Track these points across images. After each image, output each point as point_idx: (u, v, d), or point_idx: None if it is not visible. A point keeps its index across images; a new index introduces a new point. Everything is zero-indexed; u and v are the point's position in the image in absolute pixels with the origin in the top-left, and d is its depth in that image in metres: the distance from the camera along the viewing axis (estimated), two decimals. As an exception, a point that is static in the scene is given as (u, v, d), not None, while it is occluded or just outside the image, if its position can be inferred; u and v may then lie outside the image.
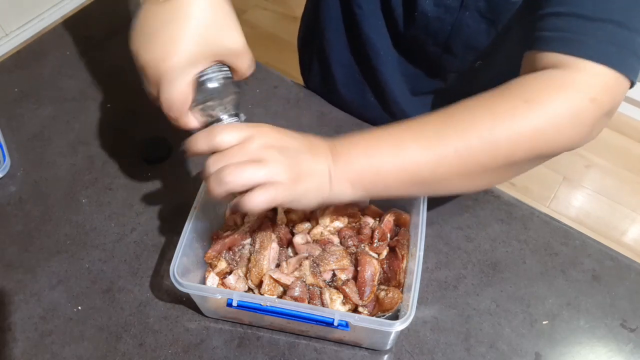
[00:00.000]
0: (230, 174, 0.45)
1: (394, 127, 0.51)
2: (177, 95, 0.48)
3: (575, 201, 1.76)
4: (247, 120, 0.52)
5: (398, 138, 0.50)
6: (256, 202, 0.46)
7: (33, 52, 0.93)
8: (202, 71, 0.49)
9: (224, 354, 0.61)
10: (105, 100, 0.86)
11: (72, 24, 0.98)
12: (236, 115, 0.52)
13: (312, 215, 0.68)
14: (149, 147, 0.80)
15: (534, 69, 0.50)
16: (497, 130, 0.47)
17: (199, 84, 0.49)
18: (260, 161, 0.46)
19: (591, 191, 1.78)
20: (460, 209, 0.73)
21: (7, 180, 0.77)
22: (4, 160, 0.78)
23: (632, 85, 0.49)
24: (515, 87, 0.49)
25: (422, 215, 0.59)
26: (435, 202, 0.72)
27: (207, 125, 0.51)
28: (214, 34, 0.47)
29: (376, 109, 0.82)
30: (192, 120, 0.51)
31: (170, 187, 0.76)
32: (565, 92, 0.46)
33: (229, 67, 0.51)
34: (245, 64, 0.51)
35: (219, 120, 0.51)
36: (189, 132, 0.52)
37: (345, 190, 0.51)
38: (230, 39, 0.48)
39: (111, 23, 0.98)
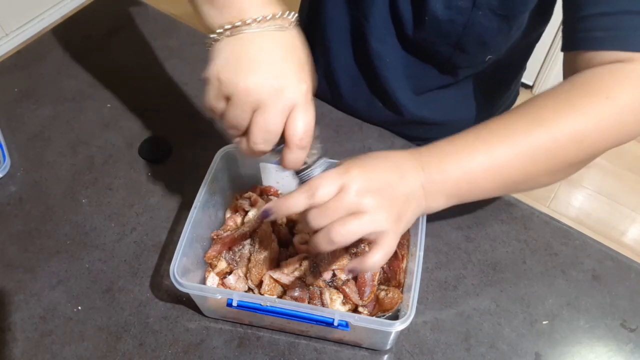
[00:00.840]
0: (338, 233, 0.45)
1: (478, 131, 0.50)
2: (279, 129, 0.45)
3: (575, 201, 1.76)
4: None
5: (486, 142, 0.49)
6: (376, 261, 0.46)
7: (33, 52, 0.93)
8: None
9: (224, 354, 0.61)
10: (105, 100, 0.86)
11: (72, 24, 0.98)
12: (319, 156, 0.50)
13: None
14: (149, 147, 0.80)
15: (591, 67, 0.51)
16: (584, 126, 0.48)
17: None
18: (360, 213, 0.45)
19: (591, 191, 1.78)
20: (460, 209, 0.73)
21: (7, 180, 0.77)
22: (4, 160, 0.78)
23: None
24: (589, 82, 0.50)
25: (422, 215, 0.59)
26: (435, 202, 0.72)
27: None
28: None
29: (382, 112, 0.82)
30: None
31: (170, 187, 0.76)
32: (639, 85, 0.48)
33: None
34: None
35: (307, 166, 0.49)
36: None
37: (439, 202, 0.50)
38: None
39: (111, 23, 0.98)
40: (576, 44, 0.53)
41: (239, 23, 0.43)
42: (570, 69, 0.54)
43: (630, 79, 0.49)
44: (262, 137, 0.45)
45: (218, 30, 0.44)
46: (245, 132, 0.46)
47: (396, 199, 0.47)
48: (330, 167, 0.49)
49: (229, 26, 0.44)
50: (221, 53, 0.44)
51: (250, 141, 0.45)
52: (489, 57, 0.70)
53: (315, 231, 0.46)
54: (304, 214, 0.47)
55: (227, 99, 0.44)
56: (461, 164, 0.49)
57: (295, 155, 0.46)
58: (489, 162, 0.49)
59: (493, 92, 0.82)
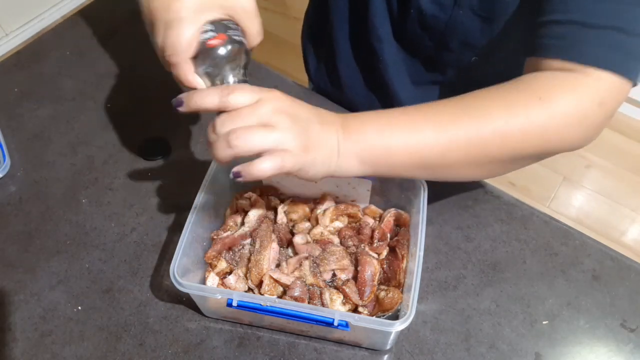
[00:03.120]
0: (239, 137, 0.44)
1: (408, 109, 0.51)
2: (182, 39, 0.46)
3: (575, 201, 1.76)
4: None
5: (412, 120, 0.50)
6: (263, 168, 0.45)
7: (33, 52, 0.93)
8: (211, 33, 0.48)
9: (224, 354, 0.61)
10: (105, 100, 0.86)
11: (72, 24, 0.98)
12: (245, 82, 0.50)
13: (312, 215, 0.68)
14: (149, 147, 0.80)
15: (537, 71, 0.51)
16: (510, 123, 0.48)
17: (207, 48, 0.48)
18: (270, 126, 0.45)
19: (591, 191, 1.78)
20: (460, 209, 0.73)
21: (7, 180, 0.77)
22: (4, 160, 0.78)
23: (634, 86, 0.49)
24: (529, 82, 0.50)
25: (422, 215, 0.59)
26: (435, 202, 0.72)
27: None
28: None
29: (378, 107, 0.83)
30: (192, 74, 0.49)
31: (170, 187, 0.76)
32: (576, 93, 0.48)
33: (238, 28, 0.50)
34: (255, 27, 0.50)
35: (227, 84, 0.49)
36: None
37: (352, 165, 0.50)
38: None
39: (111, 23, 0.98)
40: (532, 49, 0.53)
41: None
42: (525, 73, 0.54)
43: (568, 85, 0.48)
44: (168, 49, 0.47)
45: None
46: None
47: (309, 133, 0.47)
48: None
49: None
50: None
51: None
52: (474, 58, 0.70)
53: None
54: (212, 122, 0.46)
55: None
56: (380, 131, 0.49)
57: (178, 75, 0.48)
58: (408, 139, 0.49)
59: None
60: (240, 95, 0.46)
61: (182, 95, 0.47)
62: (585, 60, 0.48)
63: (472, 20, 0.64)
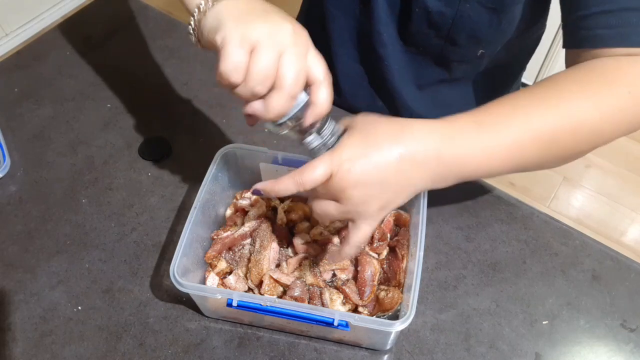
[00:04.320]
0: (316, 212, 0.50)
1: (497, 110, 0.49)
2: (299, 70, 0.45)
3: (575, 201, 1.76)
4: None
5: (509, 124, 0.48)
6: (348, 253, 0.53)
7: (33, 52, 0.93)
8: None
9: (224, 354, 0.61)
10: (105, 100, 0.86)
11: (72, 24, 0.98)
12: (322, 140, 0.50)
13: (312, 215, 0.68)
14: (149, 147, 0.80)
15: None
16: (603, 117, 0.48)
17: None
18: (341, 200, 0.48)
19: (591, 191, 1.78)
20: (460, 209, 0.73)
21: (7, 180, 0.77)
22: (4, 160, 0.78)
23: None
24: (608, 73, 0.50)
25: (422, 215, 0.59)
26: (435, 202, 0.72)
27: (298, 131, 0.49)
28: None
29: (384, 112, 0.82)
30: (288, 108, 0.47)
31: (170, 187, 0.76)
32: None
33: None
34: (322, 96, 0.47)
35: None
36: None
37: (446, 183, 0.49)
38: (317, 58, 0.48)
39: (111, 23, 0.98)
40: (580, 42, 0.53)
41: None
42: (574, 64, 0.54)
43: None
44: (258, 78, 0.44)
45: (200, 5, 0.46)
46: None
47: (387, 190, 0.47)
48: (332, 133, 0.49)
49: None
50: (223, 17, 0.45)
51: (248, 83, 0.44)
52: (481, 51, 0.70)
53: None
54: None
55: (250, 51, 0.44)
56: (480, 165, 0.48)
57: (278, 98, 0.45)
58: (506, 159, 0.48)
59: (492, 93, 0.82)
60: (311, 179, 0.46)
61: (261, 187, 0.50)
62: None
63: (479, 13, 0.63)
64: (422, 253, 0.56)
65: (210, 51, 0.48)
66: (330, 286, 0.62)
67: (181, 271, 0.56)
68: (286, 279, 0.60)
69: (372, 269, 0.61)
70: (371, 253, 0.63)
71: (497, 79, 0.80)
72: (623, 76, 0.49)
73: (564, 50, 0.57)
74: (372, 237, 0.65)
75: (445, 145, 0.46)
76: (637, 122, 0.50)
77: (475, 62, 0.73)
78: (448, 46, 0.69)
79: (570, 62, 0.56)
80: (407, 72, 0.77)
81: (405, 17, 0.69)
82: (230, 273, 0.63)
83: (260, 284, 0.61)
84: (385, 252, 0.64)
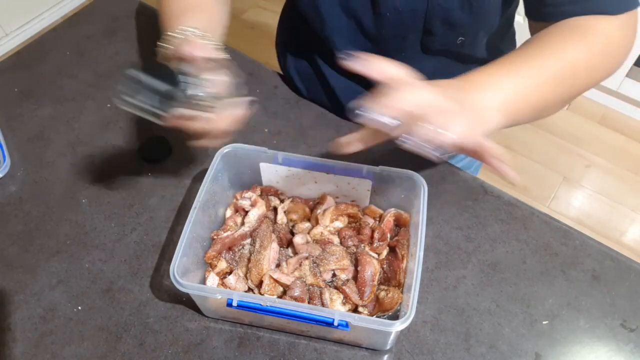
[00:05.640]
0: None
1: (512, 61, 0.55)
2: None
3: (575, 201, 1.76)
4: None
5: (529, 72, 0.55)
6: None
7: (33, 52, 0.93)
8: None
9: (224, 354, 0.61)
10: (105, 100, 0.86)
11: (72, 24, 0.98)
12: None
13: (312, 215, 0.68)
14: (149, 147, 0.80)
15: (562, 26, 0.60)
16: (601, 73, 0.60)
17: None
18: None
19: (591, 191, 1.78)
20: (460, 209, 0.73)
21: (7, 180, 0.77)
22: (4, 160, 0.78)
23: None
24: (589, 30, 0.58)
25: (422, 215, 0.59)
26: (435, 202, 0.72)
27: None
28: None
29: None
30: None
31: (170, 187, 0.76)
32: (627, 30, 0.60)
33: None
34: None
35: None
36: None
37: (500, 123, 0.52)
38: None
39: (111, 23, 0.98)
40: (549, 16, 0.60)
41: None
42: (539, 29, 0.61)
43: (616, 20, 0.58)
44: None
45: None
46: None
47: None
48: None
49: None
50: None
51: None
52: (460, 39, 0.70)
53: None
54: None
55: None
56: (512, 86, 0.53)
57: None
58: (529, 86, 0.54)
59: None
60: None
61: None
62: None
63: (450, 1, 0.64)
64: (422, 253, 0.56)
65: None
66: (330, 286, 0.62)
67: (181, 271, 0.56)
68: (286, 279, 0.60)
69: (372, 269, 0.61)
70: (371, 253, 0.63)
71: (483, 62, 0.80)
72: (599, 30, 0.58)
73: None
74: (372, 237, 0.65)
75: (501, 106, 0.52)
76: (615, 62, 0.61)
77: (457, 50, 0.73)
78: (425, 37, 0.70)
79: (535, 28, 0.63)
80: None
81: (372, 24, 0.70)
82: (230, 273, 0.63)
83: (260, 284, 0.61)
84: (385, 252, 0.64)
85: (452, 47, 0.73)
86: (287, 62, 0.91)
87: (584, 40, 0.57)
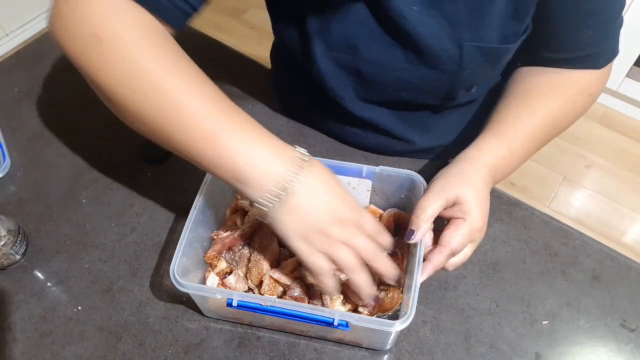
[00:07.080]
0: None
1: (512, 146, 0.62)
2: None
3: (575, 201, 1.76)
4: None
5: (524, 148, 0.64)
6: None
7: (33, 52, 0.93)
8: None
9: (224, 354, 0.61)
10: (105, 100, 0.86)
11: (72, 24, 0.98)
12: None
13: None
14: (149, 147, 0.80)
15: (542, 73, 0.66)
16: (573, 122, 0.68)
17: None
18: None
19: (591, 191, 1.78)
20: (460, 209, 0.73)
21: (7, 180, 0.77)
22: (4, 160, 0.78)
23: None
24: (576, 81, 0.65)
25: (422, 215, 0.59)
26: (435, 202, 0.72)
27: None
28: None
29: (397, 145, 0.80)
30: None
31: (170, 187, 0.76)
32: (604, 80, 0.67)
33: None
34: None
35: None
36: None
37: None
38: None
39: (111, 23, 0.98)
40: (543, 62, 0.66)
41: (283, 193, 0.48)
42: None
43: (598, 73, 0.65)
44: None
45: (266, 199, 0.49)
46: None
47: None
48: None
49: (278, 193, 0.48)
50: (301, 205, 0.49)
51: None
52: (474, 87, 0.70)
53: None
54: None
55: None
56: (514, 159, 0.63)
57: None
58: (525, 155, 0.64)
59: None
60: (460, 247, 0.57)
61: (425, 277, 0.55)
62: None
63: (476, 71, 0.64)
64: (422, 253, 0.56)
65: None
66: (330, 286, 0.62)
67: (181, 271, 0.56)
68: (286, 279, 0.60)
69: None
70: (371, 253, 0.63)
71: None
72: (582, 84, 0.65)
73: None
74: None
75: (496, 179, 0.62)
76: (588, 108, 0.68)
77: (466, 96, 0.73)
78: (445, 101, 0.70)
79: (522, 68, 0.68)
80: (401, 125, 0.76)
81: (399, 89, 0.69)
82: (230, 273, 0.63)
83: (260, 284, 0.61)
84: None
85: (463, 100, 0.73)
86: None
87: (567, 92, 0.64)
